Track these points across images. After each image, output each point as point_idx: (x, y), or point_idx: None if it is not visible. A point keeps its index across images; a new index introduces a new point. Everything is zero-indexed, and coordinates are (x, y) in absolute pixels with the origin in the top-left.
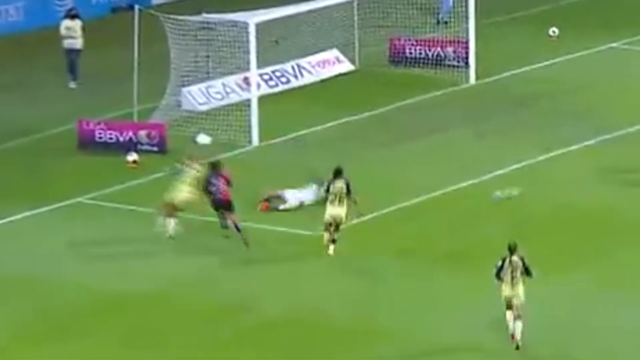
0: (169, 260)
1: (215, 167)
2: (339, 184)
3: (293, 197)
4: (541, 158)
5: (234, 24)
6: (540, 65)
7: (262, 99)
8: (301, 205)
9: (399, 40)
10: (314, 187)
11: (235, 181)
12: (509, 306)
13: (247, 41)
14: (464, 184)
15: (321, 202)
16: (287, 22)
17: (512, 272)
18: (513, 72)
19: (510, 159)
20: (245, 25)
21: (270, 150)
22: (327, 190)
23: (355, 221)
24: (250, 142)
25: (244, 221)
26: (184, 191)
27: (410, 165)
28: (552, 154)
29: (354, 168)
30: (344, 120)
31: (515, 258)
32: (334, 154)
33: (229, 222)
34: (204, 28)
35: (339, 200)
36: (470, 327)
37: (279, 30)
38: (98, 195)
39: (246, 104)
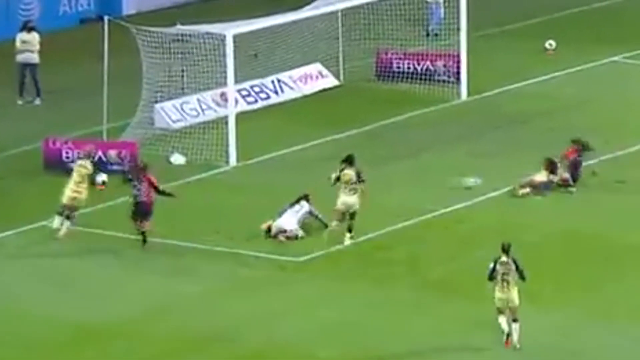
0: (141, 287)
1: (139, 169)
2: (350, 172)
3: (289, 223)
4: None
5: (211, 36)
6: (536, 80)
7: (240, 116)
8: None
9: (386, 53)
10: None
11: (212, 205)
12: (501, 311)
13: (224, 54)
14: (455, 207)
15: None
16: (267, 34)
17: (503, 274)
18: (507, 87)
19: (504, 181)
20: (222, 38)
21: (249, 171)
22: (338, 179)
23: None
24: (227, 162)
25: (223, 247)
26: (69, 189)
27: (398, 186)
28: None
29: (336, 190)
30: (327, 138)
31: (507, 259)
32: (316, 174)
33: (140, 228)
34: (178, 40)
35: (351, 189)
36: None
37: (258, 42)
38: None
39: (223, 121)
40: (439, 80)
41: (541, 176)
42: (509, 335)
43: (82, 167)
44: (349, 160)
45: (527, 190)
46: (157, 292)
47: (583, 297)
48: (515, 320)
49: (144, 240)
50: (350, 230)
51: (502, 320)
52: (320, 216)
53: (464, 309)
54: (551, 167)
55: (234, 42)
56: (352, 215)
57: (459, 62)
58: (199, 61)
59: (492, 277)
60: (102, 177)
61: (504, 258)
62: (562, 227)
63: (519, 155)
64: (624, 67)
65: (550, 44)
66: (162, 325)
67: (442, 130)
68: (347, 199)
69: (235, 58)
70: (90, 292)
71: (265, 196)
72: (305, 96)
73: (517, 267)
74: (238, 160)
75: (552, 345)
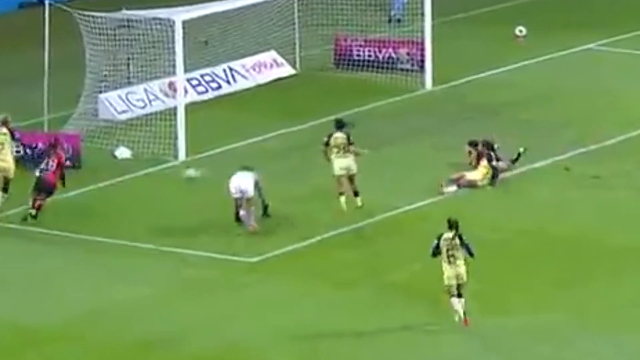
0: (83, 288)
1: (52, 146)
2: (340, 136)
3: (248, 183)
4: (506, 175)
5: (158, 21)
6: (505, 69)
7: (189, 107)
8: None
9: (346, 40)
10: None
11: (159, 201)
12: (452, 291)
13: (173, 41)
14: (420, 204)
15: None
16: (219, 20)
17: (448, 250)
18: (475, 77)
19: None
20: (170, 23)
21: (199, 165)
22: (327, 144)
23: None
24: (176, 156)
25: (170, 247)
26: None
27: (359, 182)
28: (519, 170)
29: (293, 185)
30: (282, 131)
31: (451, 235)
32: (271, 169)
33: (36, 202)
34: (123, 26)
35: (344, 151)
36: None
37: (210, 29)
38: (4, 217)
39: (172, 112)
40: (402, 69)
41: (475, 175)
42: (465, 313)
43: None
44: (338, 124)
45: (454, 188)
46: (100, 293)
47: (552, 299)
48: (460, 296)
49: (34, 217)
50: (357, 194)
51: (455, 301)
52: (262, 191)
53: (428, 313)
54: (488, 157)
55: (184, 28)
56: (352, 179)
57: (423, 49)
58: (146, 49)
59: (435, 253)
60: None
61: (448, 234)
62: (530, 226)
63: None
64: (599, 55)
65: (521, 30)
66: (104, 328)
67: (405, 122)
68: (343, 162)
69: (184, 45)
70: (30, 293)
71: (216, 192)
72: (259, 86)
73: (462, 243)
74: (187, 154)
75: (522, 347)
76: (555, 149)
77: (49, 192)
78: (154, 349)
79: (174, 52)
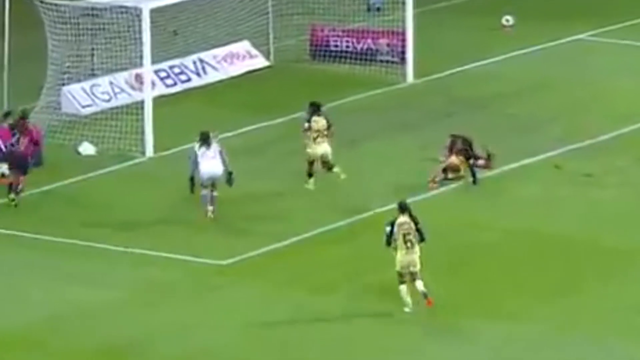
0: (43, 292)
1: (21, 118)
2: (322, 121)
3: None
4: (492, 173)
5: (125, 10)
6: (491, 60)
7: (157, 101)
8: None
9: (322, 30)
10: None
11: (125, 200)
12: (403, 277)
13: (140, 31)
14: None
15: None
16: (188, 8)
17: (405, 235)
18: (459, 69)
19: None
20: (137, 12)
21: (167, 162)
22: (309, 129)
23: None
24: (143, 152)
25: (136, 248)
26: None
27: (335, 181)
28: (507, 167)
29: (267, 183)
30: (255, 126)
31: (406, 219)
32: (243, 166)
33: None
34: (88, 15)
35: (323, 136)
36: None
37: (179, 18)
38: None
39: (139, 106)
40: (381, 61)
41: (454, 159)
42: (426, 295)
43: None
44: (316, 107)
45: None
46: (62, 297)
47: (541, 304)
48: (418, 279)
49: (13, 199)
50: (332, 168)
51: (404, 290)
52: (227, 160)
53: (407, 320)
54: (465, 154)
55: (151, 17)
56: (328, 166)
57: (404, 40)
58: (111, 39)
59: (390, 241)
60: (2, 169)
61: (402, 218)
62: (519, 226)
63: (474, 145)
64: (590, 45)
65: (508, 19)
66: (66, 334)
67: (385, 117)
68: (322, 147)
69: (152, 35)
70: None
71: (185, 191)
72: (231, 78)
73: (417, 227)
74: (155, 151)
75: (511, 353)
76: (544, 145)
77: (22, 166)
78: (119, 356)
79: (141, 43)
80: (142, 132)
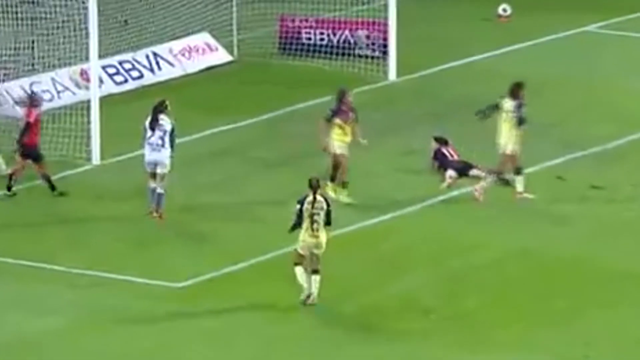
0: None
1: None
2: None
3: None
4: (485, 184)
5: None
6: (485, 55)
7: (105, 100)
8: None
9: (293, 20)
10: None
11: (68, 214)
12: (301, 259)
13: (86, 21)
14: (380, 219)
15: None
16: None
17: (313, 214)
18: (448, 65)
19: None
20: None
21: (116, 170)
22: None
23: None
24: (89, 158)
25: (81, 269)
26: None
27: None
28: (505, 178)
29: (228, 196)
30: (216, 129)
31: (318, 197)
32: (200, 177)
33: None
34: (27, 2)
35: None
36: None
37: (130, 6)
38: None
39: (84, 106)
40: (360, 55)
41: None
42: (310, 295)
43: None
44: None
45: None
46: (2, 324)
47: (540, 334)
48: (316, 272)
49: (52, 187)
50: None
51: (300, 272)
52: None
53: (386, 352)
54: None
55: (99, 5)
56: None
57: (385, 32)
58: (54, 30)
59: (299, 223)
60: None
61: (312, 196)
62: (518, 246)
63: (466, 151)
64: (598, 38)
65: (505, 9)
66: None
67: (364, 119)
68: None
69: (100, 26)
70: None
71: (137, 203)
72: (189, 75)
73: (328, 208)
74: (102, 157)
75: None
76: (546, 152)
77: (34, 156)
78: None
79: (87, 34)
80: (88, 136)
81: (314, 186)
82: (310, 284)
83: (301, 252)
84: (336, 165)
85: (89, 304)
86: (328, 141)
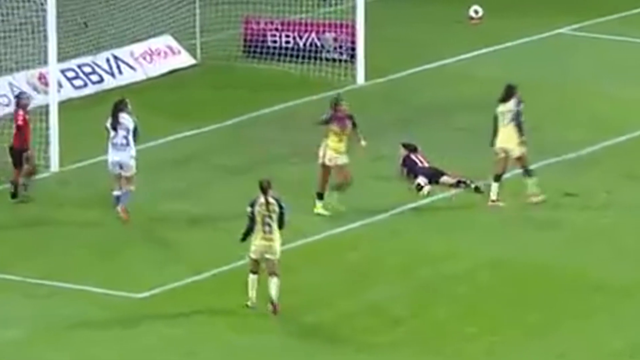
0: None
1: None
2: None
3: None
4: (458, 192)
5: None
6: (456, 59)
7: (64, 105)
8: None
9: (258, 23)
10: None
11: (25, 224)
12: (256, 266)
13: (45, 23)
14: (345, 228)
15: None
16: None
17: (265, 217)
18: (418, 69)
19: (412, 195)
20: (41, 1)
21: (74, 178)
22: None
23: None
24: (47, 166)
25: (38, 279)
26: None
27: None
28: (476, 185)
29: (191, 204)
30: (179, 135)
31: (270, 199)
32: (162, 184)
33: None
34: None
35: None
36: None
37: (90, 8)
38: None
39: (42, 112)
40: (327, 59)
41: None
42: (273, 302)
43: None
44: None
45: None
46: None
47: (518, 349)
48: (273, 275)
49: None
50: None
51: (254, 280)
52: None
53: None
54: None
55: (58, 6)
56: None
57: (354, 34)
58: (10, 32)
59: (252, 227)
60: None
61: (264, 198)
62: (491, 256)
63: (437, 159)
64: (573, 41)
65: (476, 10)
66: None
67: None
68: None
69: (58, 28)
70: None
71: (98, 211)
72: (151, 79)
73: (281, 210)
74: (62, 164)
75: None
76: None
77: (16, 160)
78: None
79: (45, 37)
80: (46, 142)
81: (265, 188)
82: (257, 291)
83: (253, 256)
84: (339, 177)
85: (45, 316)
86: (323, 150)
